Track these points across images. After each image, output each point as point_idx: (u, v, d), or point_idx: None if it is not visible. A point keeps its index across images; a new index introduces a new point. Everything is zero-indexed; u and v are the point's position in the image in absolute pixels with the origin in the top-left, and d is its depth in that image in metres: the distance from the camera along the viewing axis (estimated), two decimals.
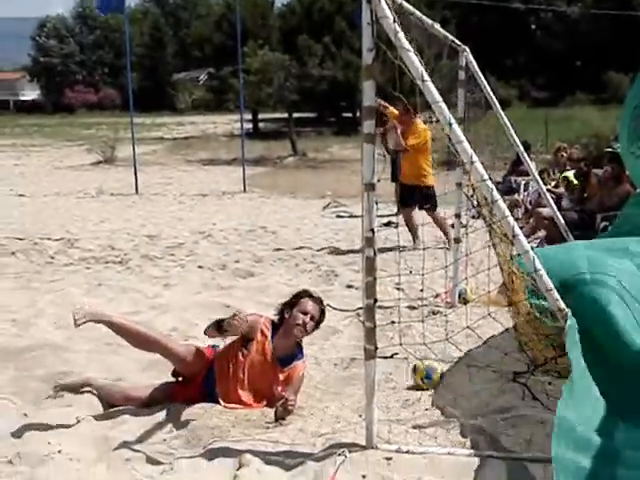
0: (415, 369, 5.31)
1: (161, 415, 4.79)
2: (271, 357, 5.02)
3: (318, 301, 5.22)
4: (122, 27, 32.01)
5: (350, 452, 4.00)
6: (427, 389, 5.21)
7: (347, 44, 39.48)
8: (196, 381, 5.11)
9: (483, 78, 7.25)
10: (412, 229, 10.88)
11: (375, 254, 3.88)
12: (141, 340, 5.09)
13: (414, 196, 10.83)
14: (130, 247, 11.33)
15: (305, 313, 5.07)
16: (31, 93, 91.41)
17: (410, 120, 10.86)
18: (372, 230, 3.88)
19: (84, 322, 4.83)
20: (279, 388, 4.92)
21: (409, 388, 5.29)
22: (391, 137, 14.21)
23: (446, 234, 10.63)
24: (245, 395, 4.98)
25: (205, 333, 5.11)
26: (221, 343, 5.45)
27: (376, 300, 3.95)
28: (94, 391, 5.20)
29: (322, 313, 5.22)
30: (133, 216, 15.15)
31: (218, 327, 4.91)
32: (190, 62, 76.65)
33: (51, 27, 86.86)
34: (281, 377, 5.01)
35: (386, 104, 11.16)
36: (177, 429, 4.59)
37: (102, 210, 16.19)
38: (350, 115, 47.60)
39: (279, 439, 4.33)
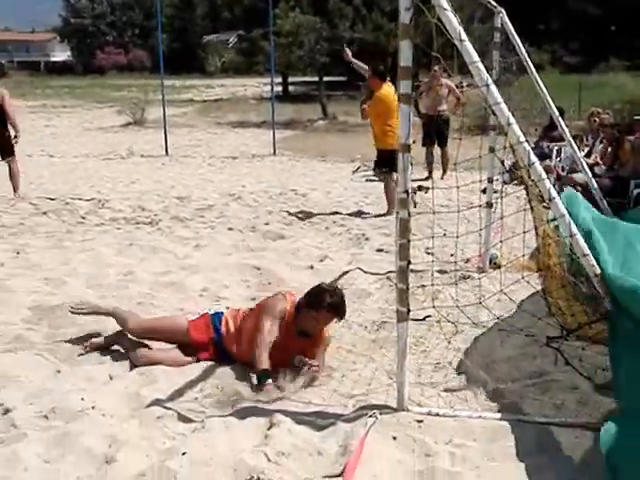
0: None
1: (192, 374, 4.83)
2: (292, 332, 4.95)
3: (336, 313, 4.95)
4: None
5: (381, 414, 4.02)
6: None
7: (378, 7, 38.99)
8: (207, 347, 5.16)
9: (518, 40, 7.14)
10: (389, 195, 10.76)
11: (409, 215, 3.86)
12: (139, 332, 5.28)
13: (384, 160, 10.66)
14: (160, 208, 11.35)
15: (317, 322, 4.92)
16: (62, 54, 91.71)
17: (376, 84, 10.56)
18: (406, 191, 3.84)
19: (79, 312, 5.31)
20: (302, 358, 4.84)
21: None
22: (422, 101, 14.17)
23: (390, 202, 10.55)
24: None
25: None
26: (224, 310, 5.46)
27: (409, 262, 3.93)
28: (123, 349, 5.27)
29: (340, 318, 5.05)
30: (163, 177, 15.13)
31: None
32: (220, 24, 76.15)
33: None
34: (303, 346, 4.92)
35: (361, 64, 11.03)
36: (208, 388, 4.63)
37: (132, 171, 16.18)
38: None
39: (310, 400, 4.36)
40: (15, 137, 12.31)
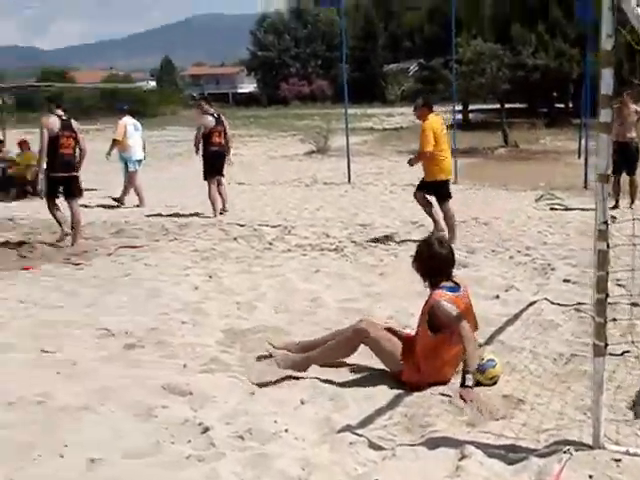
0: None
1: (381, 401, 4.87)
2: None
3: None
4: (334, 21, 32.17)
5: (576, 450, 3.90)
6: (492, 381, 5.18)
7: (561, 33, 38.19)
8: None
9: None
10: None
11: (608, 247, 3.75)
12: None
13: None
14: (344, 235, 11.53)
15: None
16: (248, 86, 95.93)
17: None
18: (605, 222, 3.75)
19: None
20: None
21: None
22: (614, 128, 13.71)
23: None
24: None
25: None
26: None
27: (607, 295, 3.82)
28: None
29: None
30: (346, 205, 15.36)
31: None
32: (400, 53, 77.05)
33: (269, 22, 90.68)
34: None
35: None
36: (397, 416, 4.65)
37: (316, 198, 16.51)
38: (562, 106, 46.14)
39: (501, 432, 4.30)
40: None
